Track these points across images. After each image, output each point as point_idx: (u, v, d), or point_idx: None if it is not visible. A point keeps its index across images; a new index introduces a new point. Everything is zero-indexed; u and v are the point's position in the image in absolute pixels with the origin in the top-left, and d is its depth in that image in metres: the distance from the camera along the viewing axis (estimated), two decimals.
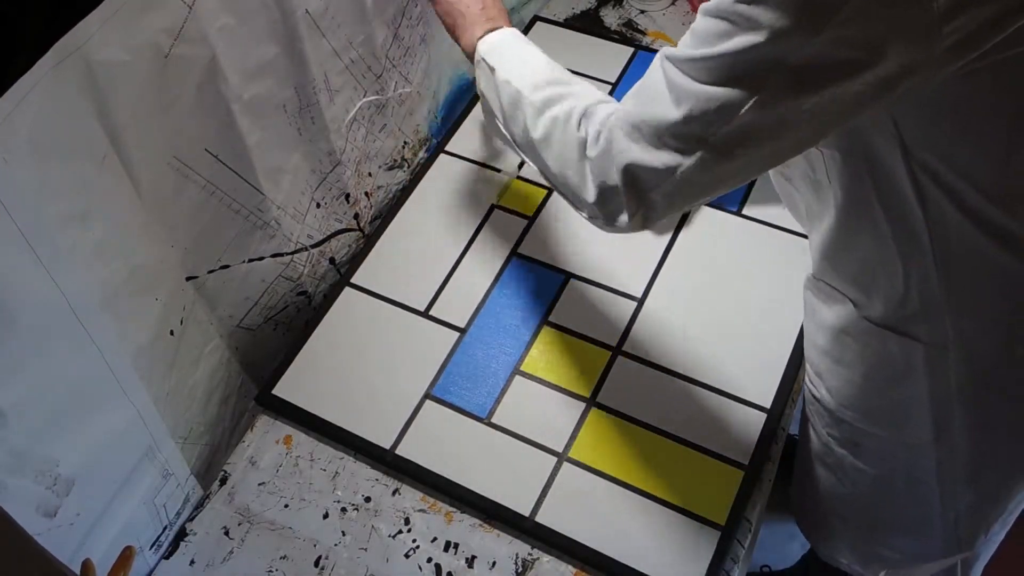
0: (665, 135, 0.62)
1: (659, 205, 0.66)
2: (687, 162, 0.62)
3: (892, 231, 0.69)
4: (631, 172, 0.65)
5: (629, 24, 1.41)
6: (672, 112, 0.61)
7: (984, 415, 0.78)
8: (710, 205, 1.13)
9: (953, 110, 0.58)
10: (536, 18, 1.41)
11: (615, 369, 1.00)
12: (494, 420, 0.97)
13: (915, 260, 0.70)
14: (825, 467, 0.96)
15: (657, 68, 0.64)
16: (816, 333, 0.86)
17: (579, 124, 0.71)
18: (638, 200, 0.67)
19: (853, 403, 0.86)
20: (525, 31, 1.39)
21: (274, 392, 1.00)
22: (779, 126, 0.58)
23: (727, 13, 0.55)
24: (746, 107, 0.56)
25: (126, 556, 0.68)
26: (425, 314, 1.06)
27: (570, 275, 1.09)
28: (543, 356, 1.01)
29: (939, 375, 0.76)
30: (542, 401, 0.98)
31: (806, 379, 0.93)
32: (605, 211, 0.70)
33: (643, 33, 1.40)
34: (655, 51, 1.34)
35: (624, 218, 0.69)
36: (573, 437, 0.95)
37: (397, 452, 0.95)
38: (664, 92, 0.62)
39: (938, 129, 0.60)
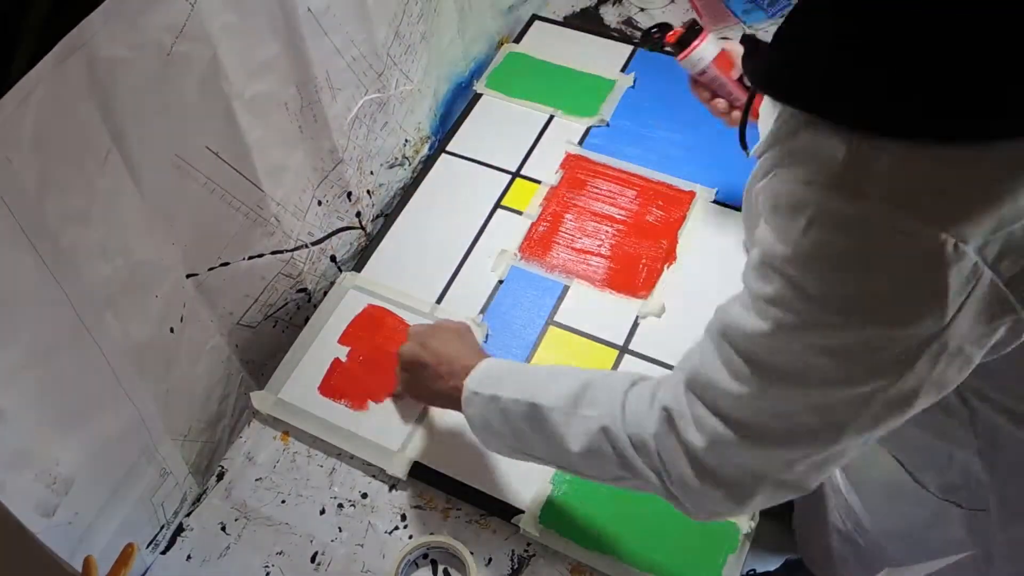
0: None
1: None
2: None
3: (933, 424, 0.67)
4: None
5: (629, 22, 1.42)
6: (748, 442, 0.57)
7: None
8: (716, 202, 1.13)
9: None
10: (535, 17, 1.41)
11: (622, 368, 1.00)
12: None
13: (958, 448, 0.68)
14: (844, 538, 0.95)
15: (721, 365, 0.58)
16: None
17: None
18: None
19: (884, 524, 0.85)
20: (524, 30, 1.39)
21: (280, 396, 1.00)
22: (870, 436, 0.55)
23: (809, 373, 0.52)
24: (837, 444, 0.54)
25: (127, 554, 0.68)
26: (430, 316, 1.06)
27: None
28: (550, 356, 1.02)
29: (978, 529, 0.75)
30: None
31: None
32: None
33: (643, 31, 1.40)
34: (655, 49, 1.34)
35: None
36: None
37: (406, 454, 0.95)
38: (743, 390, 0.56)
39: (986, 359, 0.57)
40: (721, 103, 0.91)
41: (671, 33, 0.91)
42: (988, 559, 0.76)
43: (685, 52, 0.90)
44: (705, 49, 0.89)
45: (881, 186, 0.44)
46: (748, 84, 0.60)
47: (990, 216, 0.44)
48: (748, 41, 0.53)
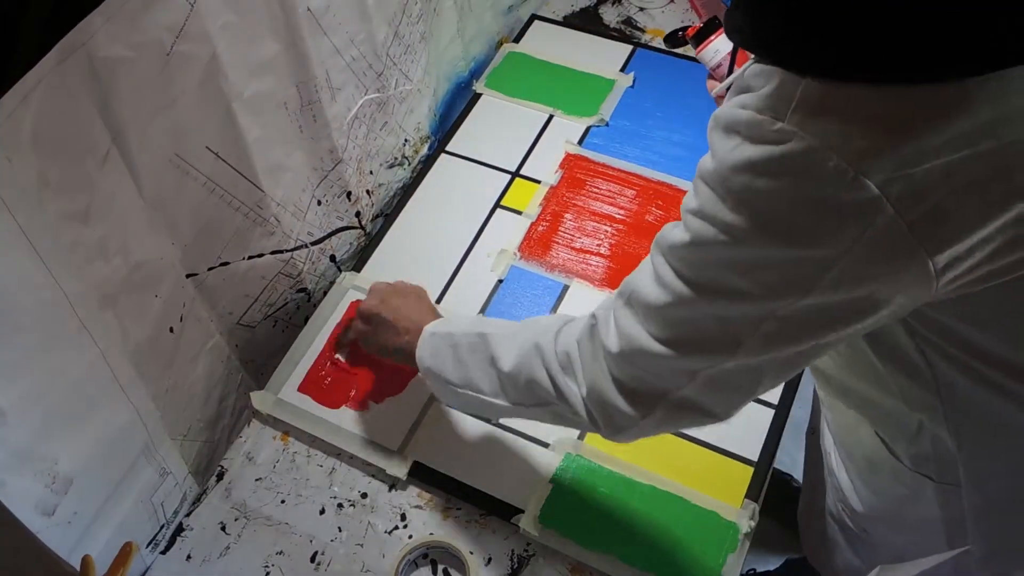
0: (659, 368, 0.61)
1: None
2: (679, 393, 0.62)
3: (900, 388, 0.68)
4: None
5: (628, 22, 1.42)
6: (657, 347, 0.60)
7: (999, 539, 0.76)
8: None
9: (955, 306, 0.57)
10: (534, 16, 1.41)
11: None
12: (502, 420, 0.97)
13: (925, 415, 0.69)
14: (835, 521, 0.96)
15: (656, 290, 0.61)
16: (839, 427, 0.87)
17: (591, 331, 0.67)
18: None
19: (866, 501, 0.87)
20: (523, 30, 1.39)
21: (279, 396, 1.00)
22: (773, 363, 0.58)
23: (716, 285, 0.55)
24: (733, 359, 0.57)
25: (125, 552, 0.68)
26: None
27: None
28: None
29: (951, 506, 0.76)
30: None
31: (826, 449, 0.94)
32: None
33: (642, 31, 1.40)
34: (654, 48, 1.34)
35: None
36: (581, 436, 0.95)
37: (406, 454, 0.95)
38: (656, 321, 0.60)
39: (942, 316, 0.59)
40: None
41: (690, 28, 0.93)
42: (962, 537, 0.77)
43: (702, 45, 0.92)
44: (721, 43, 0.91)
45: (798, 113, 0.48)
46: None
47: (892, 154, 0.46)
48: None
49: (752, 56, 0.53)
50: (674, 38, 0.98)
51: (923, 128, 0.46)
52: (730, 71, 0.77)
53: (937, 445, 0.71)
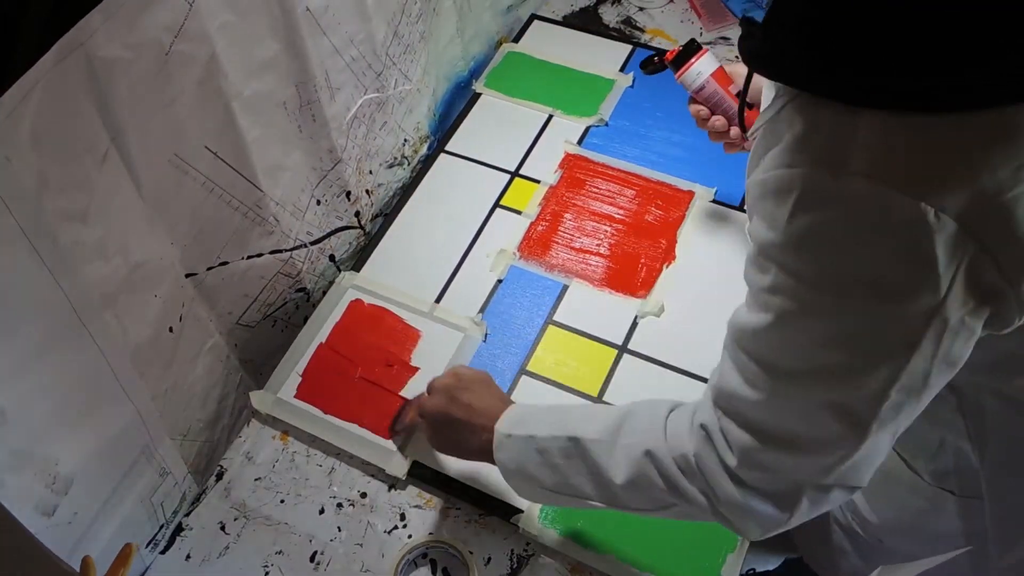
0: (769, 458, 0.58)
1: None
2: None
3: (922, 411, 0.68)
4: None
5: (628, 21, 1.42)
6: (776, 453, 0.56)
7: (1022, 547, 0.74)
8: (715, 201, 1.13)
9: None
10: (534, 16, 1.41)
11: (621, 368, 1.00)
12: None
13: (949, 432, 0.67)
14: (842, 528, 0.95)
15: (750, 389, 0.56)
16: None
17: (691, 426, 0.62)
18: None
19: (882, 513, 0.85)
20: (523, 30, 1.39)
21: (278, 395, 1.00)
22: (909, 418, 0.55)
23: (813, 366, 0.51)
24: (865, 442, 0.53)
25: (125, 553, 0.68)
26: (429, 315, 1.06)
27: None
28: (549, 355, 1.02)
29: (972, 518, 0.74)
30: (550, 400, 0.98)
31: None
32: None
33: (642, 31, 1.40)
34: (653, 48, 1.34)
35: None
36: None
37: (405, 454, 0.95)
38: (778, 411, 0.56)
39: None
40: (719, 121, 0.91)
41: (669, 52, 0.92)
42: (983, 551, 0.76)
43: (683, 69, 0.90)
44: (703, 64, 0.90)
45: (859, 159, 0.44)
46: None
47: (968, 186, 0.43)
48: (745, 23, 0.53)
49: (780, 91, 0.48)
50: (650, 64, 0.95)
51: (993, 155, 0.43)
52: (741, 115, 0.73)
53: (960, 460, 0.70)
